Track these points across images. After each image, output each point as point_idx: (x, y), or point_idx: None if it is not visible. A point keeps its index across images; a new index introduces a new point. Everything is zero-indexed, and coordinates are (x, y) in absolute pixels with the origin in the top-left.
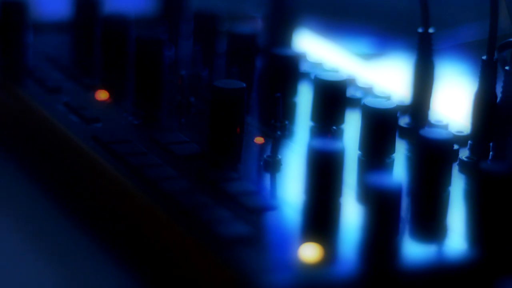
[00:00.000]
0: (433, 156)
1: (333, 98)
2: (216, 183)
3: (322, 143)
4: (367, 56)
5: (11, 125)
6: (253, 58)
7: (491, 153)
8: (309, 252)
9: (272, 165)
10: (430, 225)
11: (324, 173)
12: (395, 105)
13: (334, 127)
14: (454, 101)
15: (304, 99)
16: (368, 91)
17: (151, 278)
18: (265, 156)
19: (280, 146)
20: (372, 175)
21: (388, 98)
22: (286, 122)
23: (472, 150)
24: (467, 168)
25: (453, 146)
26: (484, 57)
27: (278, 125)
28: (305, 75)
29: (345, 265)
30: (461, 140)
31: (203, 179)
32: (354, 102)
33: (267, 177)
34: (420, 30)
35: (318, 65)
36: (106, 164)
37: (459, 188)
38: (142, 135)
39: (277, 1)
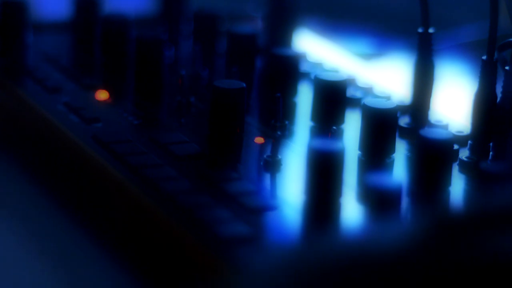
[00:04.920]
0: (433, 156)
1: (333, 98)
2: (216, 183)
3: (322, 143)
4: (367, 56)
5: (11, 125)
6: (253, 58)
7: (491, 153)
8: None
9: (272, 165)
10: None
11: (324, 173)
12: (395, 105)
13: (334, 127)
14: (454, 101)
15: (304, 99)
16: (368, 91)
17: (151, 278)
18: (265, 156)
19: (280, 146)
20: (372, 175)
21: (388, 98)
22: (286, 122)
23: (472, 150)
24: (467, 168)
25: (453, 146)
26: (484, 57)
27: (278, 125)
28: (305, 75)
29: None
30: (461, 140)
31: (203, 179)
32: (354, 102)
33: (267, 177)
34: (420, 30)
35: (318, 65)
36: (106, 164)
37: (459, 188)
38: (142, 135)
39: (277, 1)
